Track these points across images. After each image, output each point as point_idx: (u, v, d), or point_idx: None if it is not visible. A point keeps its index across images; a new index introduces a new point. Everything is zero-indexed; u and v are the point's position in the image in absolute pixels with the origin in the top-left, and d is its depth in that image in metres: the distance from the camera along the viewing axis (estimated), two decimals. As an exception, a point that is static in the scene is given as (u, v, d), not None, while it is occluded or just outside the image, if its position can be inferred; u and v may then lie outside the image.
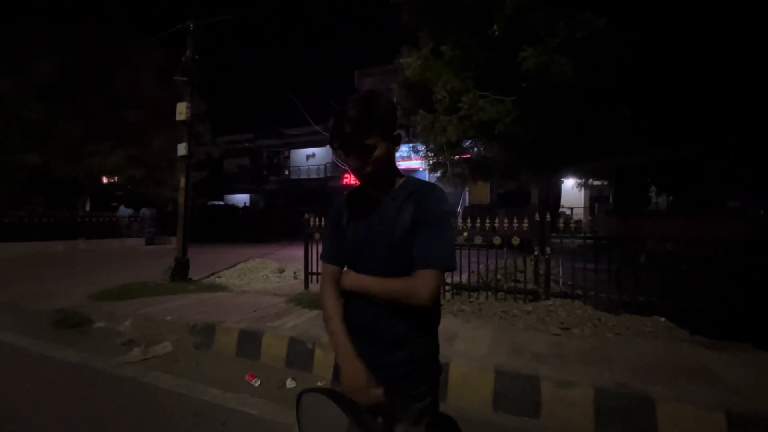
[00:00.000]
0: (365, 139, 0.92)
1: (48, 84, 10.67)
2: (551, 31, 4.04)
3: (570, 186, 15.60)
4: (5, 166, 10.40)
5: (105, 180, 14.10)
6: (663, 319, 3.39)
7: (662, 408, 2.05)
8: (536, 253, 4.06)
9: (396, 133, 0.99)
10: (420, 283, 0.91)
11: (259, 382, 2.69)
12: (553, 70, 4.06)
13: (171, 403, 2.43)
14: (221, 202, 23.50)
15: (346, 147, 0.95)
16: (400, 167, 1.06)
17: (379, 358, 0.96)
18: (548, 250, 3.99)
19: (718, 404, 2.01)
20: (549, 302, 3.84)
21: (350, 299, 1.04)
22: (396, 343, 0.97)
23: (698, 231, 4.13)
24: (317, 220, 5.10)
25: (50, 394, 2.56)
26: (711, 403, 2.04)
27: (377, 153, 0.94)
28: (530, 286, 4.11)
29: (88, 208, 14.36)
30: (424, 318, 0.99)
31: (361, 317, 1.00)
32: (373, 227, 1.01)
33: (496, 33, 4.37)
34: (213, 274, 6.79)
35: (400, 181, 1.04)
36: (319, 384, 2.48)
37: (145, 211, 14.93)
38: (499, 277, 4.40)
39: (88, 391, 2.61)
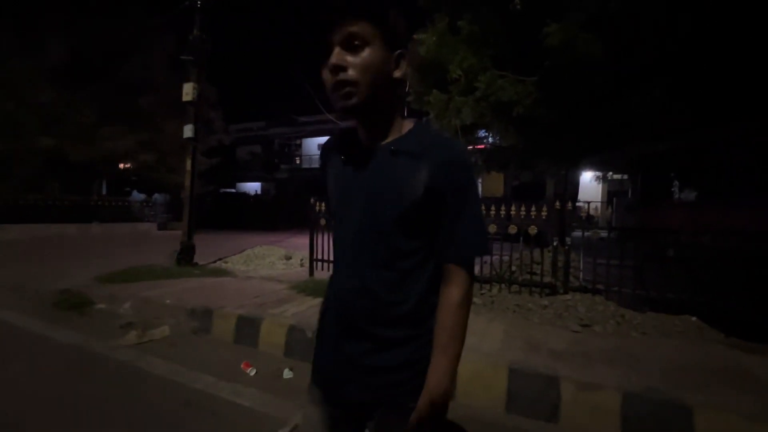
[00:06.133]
0: (351, 24, 0.66)
1: (60, 67, 10.67)
2: (578, 4, 3.72)
3: (588, 179, 15.09)
4: (20, 150, 10.51)
5: (122, 166, 14.17)
6: (694, 318, 3.11)
7: (700, 417, 1.80)
8: (555, 244, 3.80)
9: (399, 51, 0.71)
10: (460, 291, 0.72)
11: (254, 371, 2.54)
12: (579, 47, 3.75)
13: (161, 391, 2.30)
14: (233, 190, 23.61)
15: (326, 37, 0.67)
16: None
17: (369, 360, 0.74)
18: (568, 241, 3.73)
19: (766, 415, 1.76)
20: (567, 296, 3.59)
21: (337, 283, 0.81)
22: (392, 342, 0.74)
23: (731, 222, 3.79)
24: (323, 205, 4.92)
25: (40, 375, 2.46)
26: (757, 412, 1.79)
27: (366, 55, 0.67)
28: (547, 279, 3.86)
29: (104, 192, 14.53)
30: (431, 312, 0.74)
31: (351, 305, 0.76)
32: (362, 188, 0.74)
33: (518, 6, 4.06)
34: (220, 259, 6.70)
35: (407, 126, 0.76)
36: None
37: (157, 197, 15.00)
38: (513, 268, 4.15)
39: (78, 374, 2.50)
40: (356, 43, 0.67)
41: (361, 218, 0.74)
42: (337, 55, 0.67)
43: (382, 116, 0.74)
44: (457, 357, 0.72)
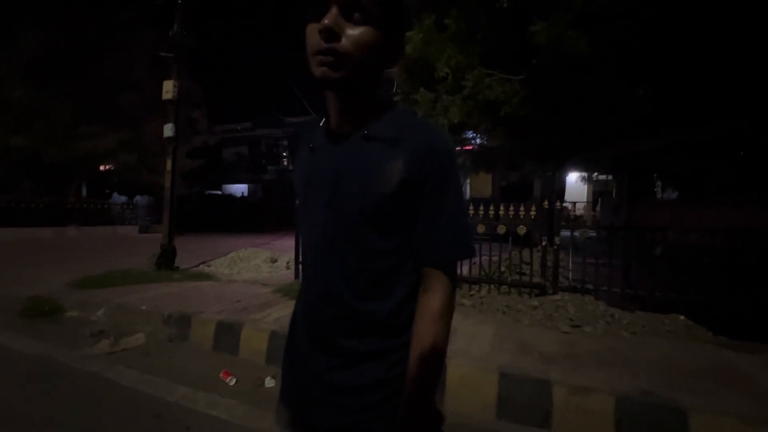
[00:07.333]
0: None
1: (35, 63, 10.21)
2: (565, 2, 3.70)
3: (573, 180, 15.30)
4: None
5: (103, 167, 13.68)
6: (682, 317, 3.09)
7: (696, 421, 1.75)
8: (544, 243, 3.76)
9: (396, 41, 0.63)
10: (440, 299, 0.62)
11: (234, 380, 2.40)
12: (565, 45, 3.73)
13: (131, 404, 2.14)
14: (219, 192, 23.18)
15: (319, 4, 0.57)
16: None
17: (338, 377, 0.64)
18: (557, 240, 3.69)
19: (764, 418, 1.72)
20: (557, 297, 3.54)
21: (305, 290, 0.71)
22: (364, 357, 0.63)
23: (710, 219, 3.81)
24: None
25: (-2, 390, 2.28)
26: (755, 416, 1.75)
27: (365, 32, 0.57)
28: (536, 279, 3.81)
29: (84, 194, 14.01)
30: (411, 321, 0.64)
31: (318, 313, 0.66)
32: (328, 179, 0.64)
33: (505, 4, 4.02)
34: (203, 263, 6.50)
35: (384, 114, 0.66)
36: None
37: (139, 199, 14.57)
38: (502, 269, 4.10)
39: (40, 387, 2.32)
40: (356, 15, 0.57)
41: (327, 214, 0.64)
42: (333, 18, 0.56)
43: (361, 99, 0.65)
44: (436, 379, 0.61)
